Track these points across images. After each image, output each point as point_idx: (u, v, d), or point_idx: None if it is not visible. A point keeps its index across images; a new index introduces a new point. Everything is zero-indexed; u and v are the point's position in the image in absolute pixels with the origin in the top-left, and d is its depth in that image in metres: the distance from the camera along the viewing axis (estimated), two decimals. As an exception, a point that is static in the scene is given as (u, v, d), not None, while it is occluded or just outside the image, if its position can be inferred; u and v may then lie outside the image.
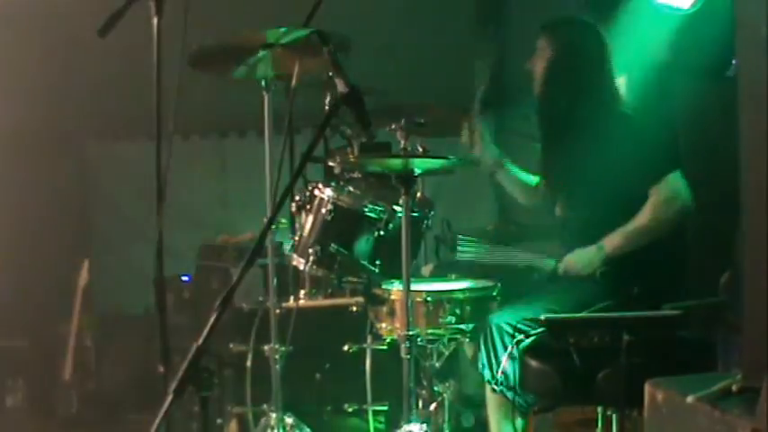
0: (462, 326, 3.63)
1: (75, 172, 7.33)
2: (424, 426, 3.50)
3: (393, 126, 4.08)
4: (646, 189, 3.54)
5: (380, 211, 3.88)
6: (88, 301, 6.20)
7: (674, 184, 3.53)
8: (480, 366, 3.50)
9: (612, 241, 3.60)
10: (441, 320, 3.62)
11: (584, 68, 3.74)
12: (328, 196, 3.91)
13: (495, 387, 3.46)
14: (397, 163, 3.57)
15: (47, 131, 6.69)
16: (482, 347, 3.49)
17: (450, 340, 3.75)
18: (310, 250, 3.89)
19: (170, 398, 2.07)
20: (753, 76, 2.22)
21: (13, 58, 5.96)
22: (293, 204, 4.04)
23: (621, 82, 3.92)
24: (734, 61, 3.83)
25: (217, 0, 5.54)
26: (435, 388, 3.93)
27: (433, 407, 3.95)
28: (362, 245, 3.88)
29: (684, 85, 4.84)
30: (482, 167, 4.04)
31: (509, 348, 3.36)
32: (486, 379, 3.51)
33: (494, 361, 3.43)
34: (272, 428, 3.83)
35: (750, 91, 2.24)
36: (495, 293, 3.71)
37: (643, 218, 3.55)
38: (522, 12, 6.43)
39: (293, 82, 3.39)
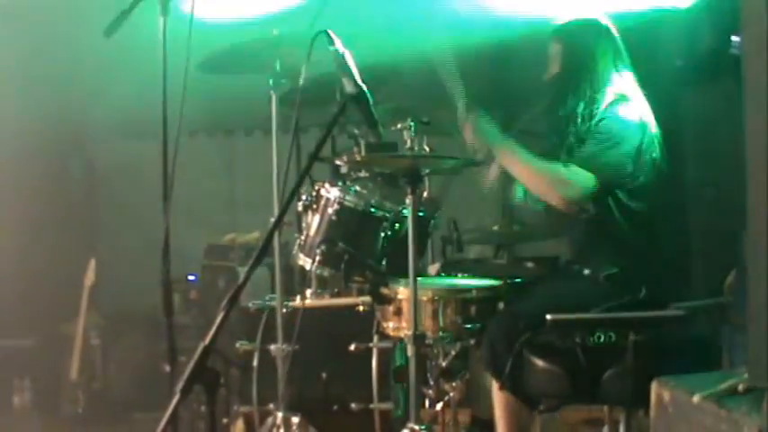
0: (469, 325, 3.64)
1: (82, 171, 7.34)
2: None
3: (399, 126, 4.07)
4: None
5: (387, 210, 3.89)
6: (95, 300, 6.21)
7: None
8: (486, 364, 3.50)
9: (515, 154, 3.66)
10: (447, 320, 3.63)
11: (597, 62, 3.74)
12: (335, 196, 3.91)
13: (502, 385, 3.46)
14: (403, 163, 3.57)
15: (54, 131, 6.70)
16: (488, 346, 3.49)
17: (456, 339, 3.75)
18: (317, 250, 3.89)
19: (176, 397, 2.07)
20: (758, 75, 2.21)
21: (20, 57, 5.97)
22: (300, 204, 4.04)
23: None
24: (734, 38, 3.81)
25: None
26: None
27: (439, 406, 3.95)
28: (369, 244, 3.88)
29: (689, 86, 4.84)
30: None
31: (515, 347, 3.36)
32: (492, 377, 3.51)
33: (500, 359, 3.42)
34: (279, 428, 3.83)
35: (755, 89, 2.23)
36: (501, 292, 3.71)
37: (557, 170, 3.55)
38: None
39: (300, 81, 3.39)
